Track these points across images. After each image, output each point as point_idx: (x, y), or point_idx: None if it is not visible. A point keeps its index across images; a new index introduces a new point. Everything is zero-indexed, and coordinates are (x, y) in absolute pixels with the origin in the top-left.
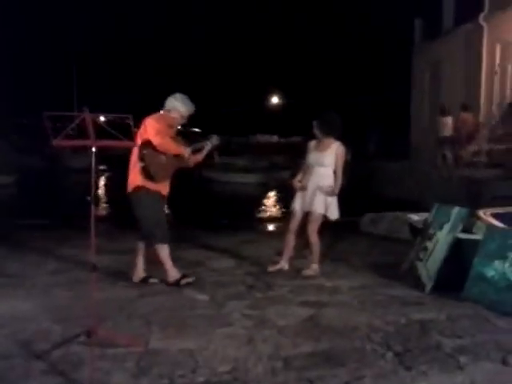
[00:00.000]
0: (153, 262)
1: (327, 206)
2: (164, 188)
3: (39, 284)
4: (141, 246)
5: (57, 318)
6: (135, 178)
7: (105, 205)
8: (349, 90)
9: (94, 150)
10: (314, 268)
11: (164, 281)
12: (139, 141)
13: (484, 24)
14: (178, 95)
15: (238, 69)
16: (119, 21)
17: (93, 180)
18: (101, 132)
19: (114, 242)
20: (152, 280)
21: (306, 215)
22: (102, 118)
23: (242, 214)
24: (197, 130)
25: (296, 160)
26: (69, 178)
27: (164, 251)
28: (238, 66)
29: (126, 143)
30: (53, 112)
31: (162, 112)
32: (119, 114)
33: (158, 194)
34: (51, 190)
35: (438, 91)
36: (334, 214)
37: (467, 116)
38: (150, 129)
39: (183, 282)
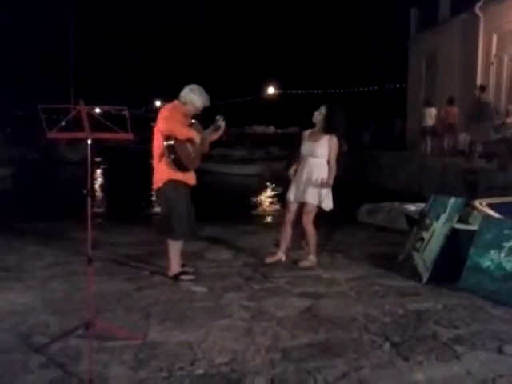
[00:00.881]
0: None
1: (321, 197)
2: (191, 178)
3: (37, 277)
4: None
5: (55, 311)
6: (164, 172)
7: (101, 197)
8: (344, 80)
9: (89, 142)
10: (311, 259)
11: (165, 273)
12: (159, 134)
13: (480, 14)
14: (195, 87)
15: (235, 60)
16: (117, 14)
17: (89, 173)
18: (97, 124)
19: (110, 235)
20: (187, 269)
21: (302, 206)
22: (97, 110)
23: (239, 205)
24: (193, 121)
25: (292, 150)
26: (64, 170)
27: (175, 246)
28: (234, 57)
29: (121, 135)
30: (48, 104)
31: (176, 102)
32: (115, 105)
33: (185, 184)
34: (47, 183)
35: (434, 81)
36: (327, 204)
37: (452, 109)
38: (160, 117)
39: (183, 277)
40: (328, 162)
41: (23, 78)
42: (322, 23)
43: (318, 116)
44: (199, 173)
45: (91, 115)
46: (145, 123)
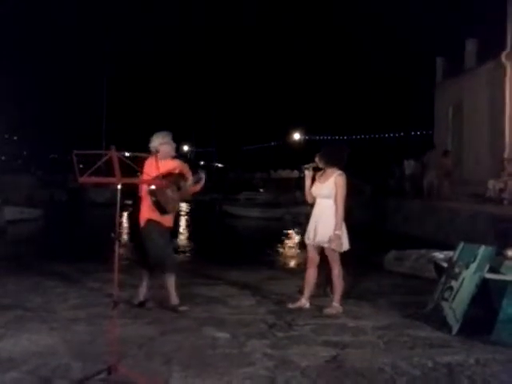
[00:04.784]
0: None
1: (332, 238)
2: (169, 220)
3: (61, 318)
4: (146, 274)
5: (78, 354)
6: (145, 213)
7: (127, 239)
8: (372, 126)
9: (119, 187)
10: (336, 306)
11: (165, 305)
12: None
13: (506, 62)
14: (152, 136)
15: (262, 106)
16: (149, 61)
17: (117, 217)
18: (126, 168)
19: (136, 277)
20: (148, 305)
21: (322, 248)
22: (126, 154)
23: (263, 249)
24: (220, 165)
25: None
26: (92, 211)
27: (171, 279)
28: (261, 104)
29: (149, 180)
30: (81, 150)
31: (154, 155)
32: (144, 152)
33: (163, 225)
34: (75, 224)
35: (461, 128)
36: (340, 246)
37: (446, 160)
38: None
39: (181, 308)
40: (336, 203)
41: (56, 122)
42: (349, 71)
43: (318, 158)
44: (225, 216)
45: (121, 160)
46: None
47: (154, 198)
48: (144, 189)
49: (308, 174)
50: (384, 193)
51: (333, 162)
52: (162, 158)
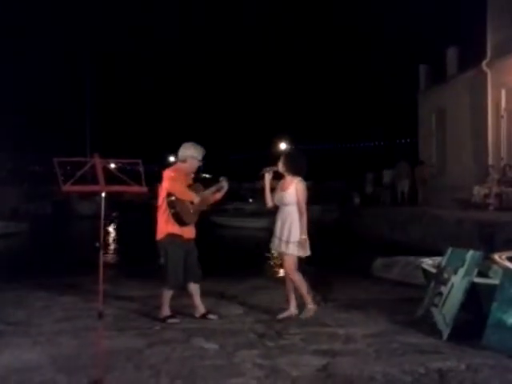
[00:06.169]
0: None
1: (293, 245)
2: (189, 232)
3: (45, 332)
4: (192, 287)
5: (63, 368)
6: (164, 226)
7: (113, 251)
8: (356, 135)
9: (103, 195)
10: (310, 308)
11: (156, 317)
12: (164, 191)
13: (487, 70)
14: (188, 144)
15: (247, 115)
16: (134, 70)
17: (101, 225)
18: (112, 178)
19: (122, 289)
20: (211, 316)
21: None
22: (112, 165)
23: (249, 258)
24: (207, 175)
25: None
26: (78, 224)
27: (167, 295)
28: (247, 113)
29: (135, 188)
30: (63, 158)
31: (178, 164)
32: (130, 159)
33: (184, 238)
34: (61, 237)
35: (445, 134)
36: (306, 250)
37: (422, 169)
38: (166, 177)
39: (169, 320)
40: (299, 209)
41: (41, 134)
42: (334, 80)
43: (280, 164)
44: (214, 226)
45: (106, 168)
46: (160, 178)
47: (173, 210)
48: (162, 200)
49: (268, 176)
50: (367, 200)
51: (295, 169)
52: (187, 171)
